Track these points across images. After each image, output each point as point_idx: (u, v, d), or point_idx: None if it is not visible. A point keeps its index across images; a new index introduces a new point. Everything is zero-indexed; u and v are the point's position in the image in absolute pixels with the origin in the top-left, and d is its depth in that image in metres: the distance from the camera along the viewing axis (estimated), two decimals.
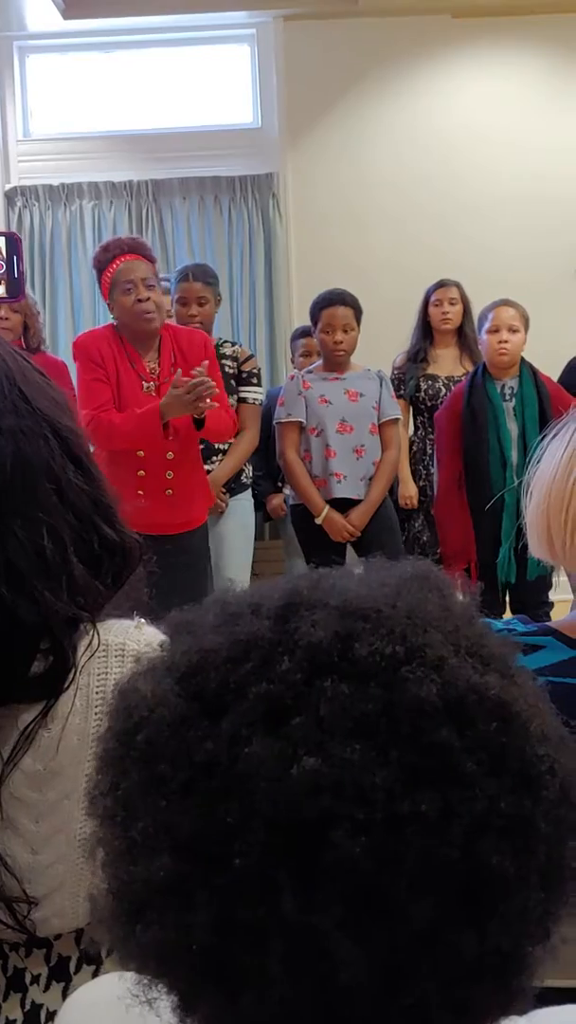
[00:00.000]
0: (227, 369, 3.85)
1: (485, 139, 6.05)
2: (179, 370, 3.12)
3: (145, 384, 3.21)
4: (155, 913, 0.52)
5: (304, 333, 4.80)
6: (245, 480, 4.07)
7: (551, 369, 4.14)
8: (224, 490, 3.90)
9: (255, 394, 3.96)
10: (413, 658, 0.50)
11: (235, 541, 3.97)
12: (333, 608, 0.53)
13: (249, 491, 4.12)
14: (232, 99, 6.33)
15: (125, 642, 1.00)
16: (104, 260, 3.22)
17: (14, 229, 6.09)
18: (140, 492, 3.06)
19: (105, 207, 6.18)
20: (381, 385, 4.06)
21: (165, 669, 0.56)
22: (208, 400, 3.07)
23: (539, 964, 0.56)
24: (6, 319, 3.63)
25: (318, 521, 3.93)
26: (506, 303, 4.00)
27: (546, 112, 6.05)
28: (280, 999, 0.49)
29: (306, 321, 5.15)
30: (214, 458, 3.84)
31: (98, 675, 0.97)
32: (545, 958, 0.56)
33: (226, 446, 3.86)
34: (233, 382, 3.87)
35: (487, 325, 3.96)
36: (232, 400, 3.83)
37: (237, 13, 6.07)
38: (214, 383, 3.08)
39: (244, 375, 3.92)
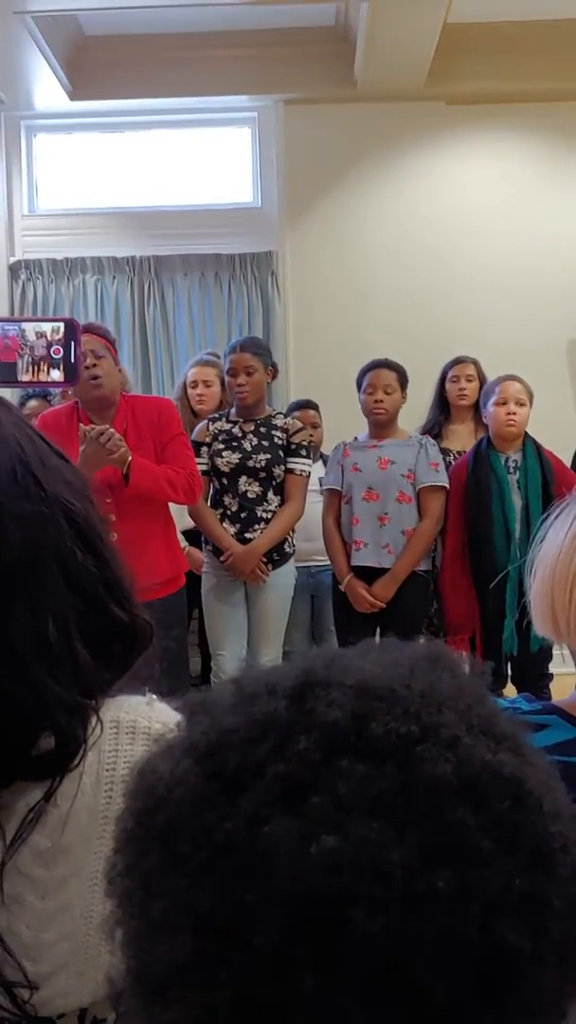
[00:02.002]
0: (276, 440, 3.93)
1: (478, 219, 6.20)
2: (81, 426, 3.22)
3: None
4: (176, 992, 0.52)
5: (300, 406, 4.86)
6: (288, 550, 4.03)
7: (545, 442, 4.19)
8: (265, 559, 3.88)
9: (302, 466, 3.98)
10: (428, 737, 0.51)
11: (272, 614, 3.96)
12: (348, 688, 0.54)
13: (292, 562, 4.08)
14: (233, 179, 6.49)
15: (136, 719, 1.00)
16: None
17: (17, 302, 6.19)
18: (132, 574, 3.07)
19: (108, 281, 6.29)
20: (420, 452, 4.04)
21: (183, 749, 0.57)
22: (119, 450, 3.15)
23: None
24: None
25: (341, 587, 3.98)
26: (512, 378, 4.07)
27: (536, 193, 6.22)
28: None
29: (302, 396, 5.24)
30: (256, 527, 3.85)
31: (108, 752, 0.97)
32: None
33: (269, 515, 3.89)
34: (281, 452, 3.91)
35: (494, 398, 4.02)
36: (280, 470, 3.87)
37: (240, 97, 6.25)
38: (116, 433, 3.16)
39: (293, 447, 3.96)
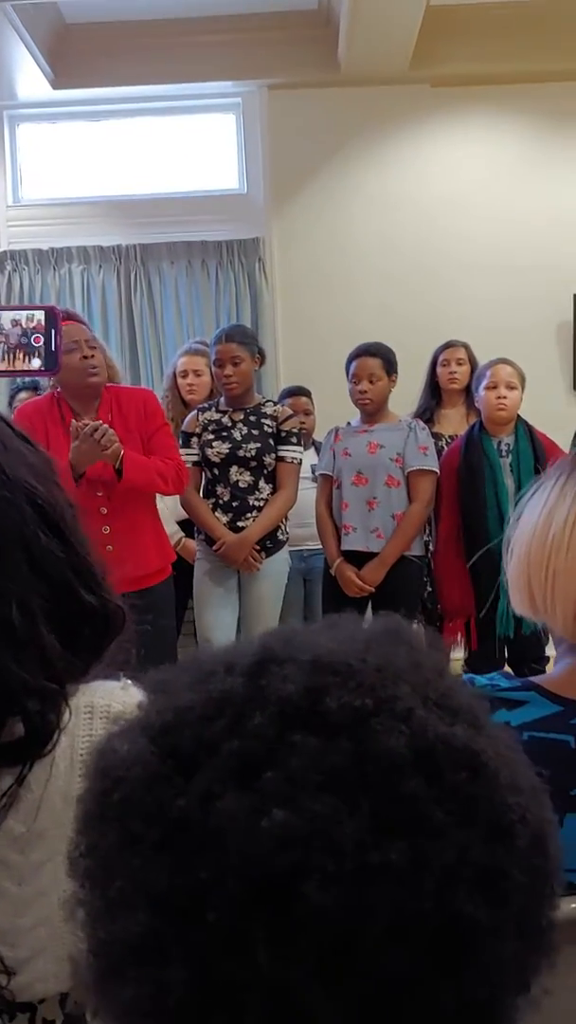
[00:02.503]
0: (266, 428, 3.92)
1: (463, 202, 6.19)
2: (72, 421, 3.20)
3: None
4: (132, 971, 0.52)
5: (291, 393, 4.84)
6: (281, 537, 4.02)
7: (537, 424, 4.18)
8: (258, 548, 3.88)
9: (293, 453, 3.97)
10: (382, 710, 0.51)
11: (265, 602, 3.95)
12: (304, 663, 0.53)
13: (285, 550, 4.06)
14: (218, 166, 6.46)
15: (111, 704, 1.00)
16: None
17: (3, 293, 6.17)
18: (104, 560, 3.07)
19: (94, 271, 6.26)
20: (409, 436, 4.02)
21: (140, 728, 0.56)
22: (112, 445, 3.15)
23: (519, 1016, 0.56)
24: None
25: (332, 572, 4.00)
26: (503, 361, 4.06)
27: (524, 174, 6.20)
28: None
29: (291, 382, 5.23)
30: (248, 515, 3.85)
31: (82, 737, 0.97)
32: (526, 1010, 0.56)
33: (261, 504, 3.88)
34: (272, 441, 3.91)
35: (485, 382, 4.01)
36: (271, 458, 3.87)
37: (223, 83, 6.22)
38: (109, 428, 3.15)
39: (283, 434, 3.95)
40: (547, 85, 6.10)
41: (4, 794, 0.93)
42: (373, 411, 4.05)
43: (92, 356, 3.29)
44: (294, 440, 3.96)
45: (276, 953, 0.48)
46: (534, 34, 5.88)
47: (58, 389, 3.37)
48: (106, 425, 3.17)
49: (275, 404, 4.10)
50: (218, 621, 3.87)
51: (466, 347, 4.66)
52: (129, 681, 1.03)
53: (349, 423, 4.20)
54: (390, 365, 4.04)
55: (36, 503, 0.98)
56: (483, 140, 6.21)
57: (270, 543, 3.93)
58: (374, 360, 4.01)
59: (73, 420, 3.21)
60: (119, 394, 3.46)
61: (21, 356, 1.77)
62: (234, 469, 3.86)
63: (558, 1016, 1.02)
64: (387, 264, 6.20)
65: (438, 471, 4.04)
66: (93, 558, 1.03)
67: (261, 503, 3.87)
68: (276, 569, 4.00)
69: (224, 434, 3.89)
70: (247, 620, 3.91)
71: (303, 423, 4.58)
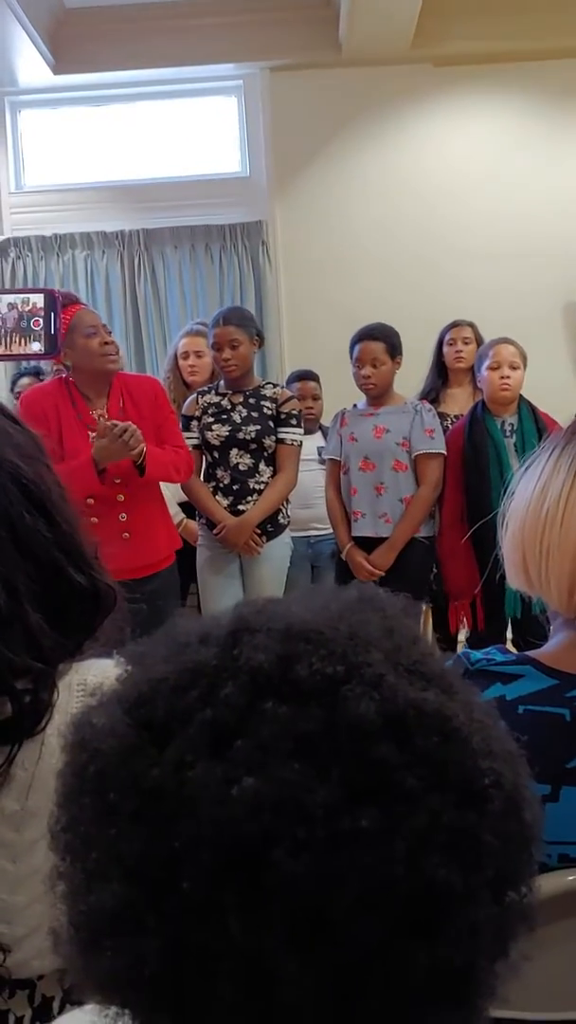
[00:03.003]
0: (265, 411, 3.88)
1: (468, 182, 6.14)
2: (101, 417, 3.18)
3: (92, 434, 3.22)
4: (109, 941, 0.52)
5: (299, 377, 4.82)
6: (283, 521, 3.98)
7: (542, 405, 4.17)
8: (259, 531, 3.86)
9: (293, 435, 3.92)
10: (352, 677, 0.51)
11: (267, 586, 3.91)
12: (276, 632, 0.53)
13: (287, 533, 4.02)
14: (221, 149, 6.43)
15: (103, 681, 1.00)
16: None
17: (7, 279, 6.17)
18: (96, 540, 3.07)
19: (97, 256, 6.25)
20: (414, 419, 3.98)
21: (116, 701, 0.56)
22: (138, 446, 3.12)
23: (499, 982, 0.56)
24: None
25: (342, 557, 3.99)
26: (506, 341, 4.02)
27: (526, 154, 6.15)
28: (231, 1022, 0.49)
29: (296, 365, 5.21)
30: (249, 498, 3.85)
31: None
32: (506, 976, 0.56)
33: (262, 487, 3.86)
34: (271, 423, 3.89)
35: (487, 362, 3.98)
36: (270, 441, 3.87)
37: (224, 65, 6.18)
38: (137, 429, 3.12)
39: (282, 416, 3.91)
40: (552, 63, 6.05)
41: None
42: (378, 395, 4.03)
43: (111, 342, 3.28)
44: (294, 422, 3.94)
45: (248, 921, 0.48)
46: (537, 11, 5.83)
47: (64, 374, 3.35)
48: (134, 426, 3.13)
49: (275, 386, 4.08)
50: (220, 606, 3.87)
51: (472, 326, 4.63)
52: (123, 659, 1.03)
53: (355, 405, 4.18)
54: (393, 348, 4.00)
55: (21, 482, 0.98)
56: (487, 118, 6.16)
57: (271, 527, 3.91)
58: (377, 344, 3.98)
59: (100, 418, 3.17)
60: (127, 381, 3.43)
61: (18, 340, 1.77)
62: (234, 452, 3.84)
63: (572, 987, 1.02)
64: (391, 244, 6.17)
65: (446, 453, 4.02)
66: (82, 537, 1.03)
67: (261, 486, 3.86)
68: (278, 553, 3.97)
69: (224, 417, 3.87)
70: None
71: (311, 408, 4.55)
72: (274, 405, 3.90)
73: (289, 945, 0.48)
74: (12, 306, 1.73)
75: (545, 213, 6.10)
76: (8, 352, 1.74)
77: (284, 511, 3.98)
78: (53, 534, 0.99)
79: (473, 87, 6.13)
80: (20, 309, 1.71)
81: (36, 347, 1.78)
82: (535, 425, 3.98)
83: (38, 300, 1.75)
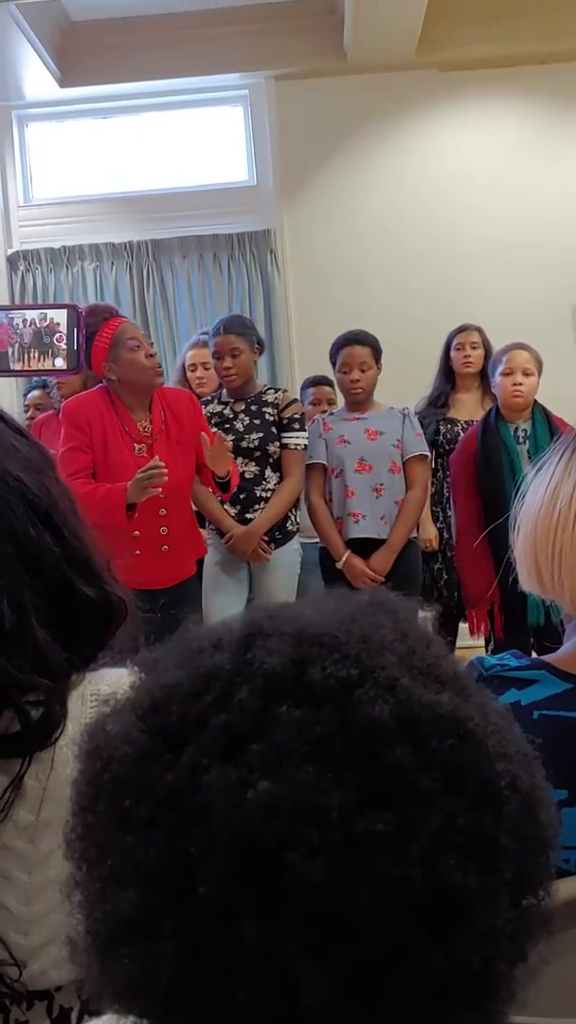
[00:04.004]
0: (268, 417, 3.88)
1: (475, 187, 6.14)
2: (156, 458, 3.13)
3: (137, 446, 3.23)
4: (126, 948, 0.52)
5: (314, 383, 4.82)
6: (291, 527, 3.96)
7: (555, 409, 4.15)
8: (267, 539, 3.84)
9: (297, 439, 3.90)
10: (366, 680, 0.51)
11: (276, 593, 3.89)
12: (289, 636, 0.53)
13: (295, 540, 3.99)
14: (227, 159, 6.45)
15: (116, 691, 1.00)
16: (95, 324, 3.20)
17: (17, 293, 6.19)
18: (137, 552, 3.09)
19: (106, 268, 6.27)
20: (404, 422, 4.01)
21: (130, 707, 0.57)
22: (154, 487, 3.07)
23: (518, 986, 0.55)
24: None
25: (339, 566, 3.93)
26: (520, 346, 4.00)
27: (533, 159, 6.15)
28: None
29: (307, 373, 5.21)
30: (256, 506, 3.84)
31: None
32: (525, 980, 0.56)
33: (268, 494, 3.85)
34: (274, 429, 3.87)
35: (501, 368, 3.96)
36: (275, 447, 3.86)
37: (230, 75, 6.21)
38: (165, 469, 3.07)
39: (285, 421, 3.89)
40: (558, 66, 6.05)
41: (7, 787, 0.93)
42: (364, 400, 4.04)
43: (156, 355, 3.27)
44: (297, 426, 3.93)
45: (264, 925, 0.48)
46: (542, 14, 5.83)
47: (104, 385, 3.33)
48: (163, 468, 3.06)
49: (276, 391, 4.07)
50: (229, 614, 3.84)
51: (480, 331, 4.62)
52: (136, 668, 1.03)
53: (331, 412, 4.20)
54: (378, 353, 4.03)
55: (26, 497, 0.97)
56: (494, 123, 6.16)
57: (279, 534, 3.89)
58: (364, 349, 3.99)
59: (156, 458, 3.12)
60: (166, 395, 3.43)
61: (37, 355, 1.76)
62: (239, 461, 3.84)
63: None
64: (400, 250, 6.17)
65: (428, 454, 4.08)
66: (92, 549, 1.02)
67: (268, 493, 3.85)
68: (287, 559, 3.95)
69: (227, 426, 3.86)
70: None
71: (326, 412, 4.55)
72: (276, 411, 3.90)
73: (305, 948, 0.48)
74: (30, 322, 1.73)
75: (553, 217, 6.09)
76: (27, 367, 1.74)
77: (293, 517, 3.97)
78: (61, 548, 0.98)
79: (479, 92, 6.13)
80: (38, 325, 1.71)
81: (59, 363, 1.78)
82: (548, 431, 3.95)
83: (56, 315, 1.75)
